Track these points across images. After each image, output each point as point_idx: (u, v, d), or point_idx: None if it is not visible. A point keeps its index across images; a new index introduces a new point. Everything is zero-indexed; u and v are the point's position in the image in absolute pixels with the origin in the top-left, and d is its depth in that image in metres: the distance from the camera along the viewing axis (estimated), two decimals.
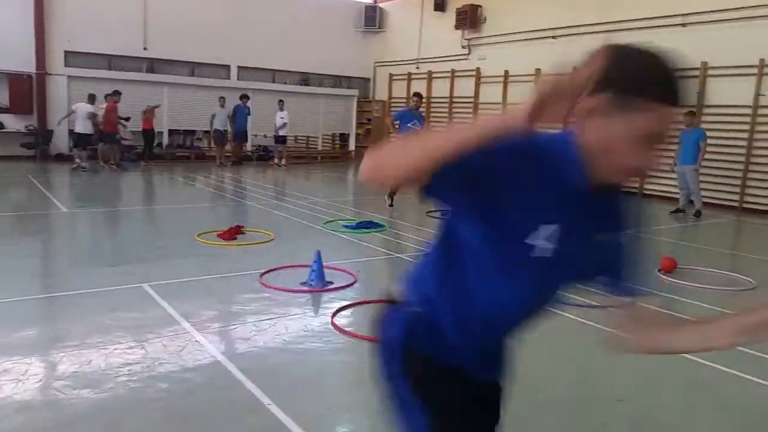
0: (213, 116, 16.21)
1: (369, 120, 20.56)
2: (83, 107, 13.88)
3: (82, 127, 13.86)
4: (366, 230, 7.75)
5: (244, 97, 16.82)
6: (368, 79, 21.22)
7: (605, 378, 3.63)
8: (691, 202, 10.50)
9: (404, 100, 19.48)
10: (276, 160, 17.00)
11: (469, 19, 16.56)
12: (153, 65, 17.33)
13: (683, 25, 12.13)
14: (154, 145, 16.11)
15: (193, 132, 18.35)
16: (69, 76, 15.57)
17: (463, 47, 17.28)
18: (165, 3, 16.94)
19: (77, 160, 13.78)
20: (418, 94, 10.79)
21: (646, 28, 12.71)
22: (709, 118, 11.87)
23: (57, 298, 4.75)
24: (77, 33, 15.87)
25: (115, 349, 3.72)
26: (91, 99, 14.04)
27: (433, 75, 18.37)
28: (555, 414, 3.15)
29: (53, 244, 7.00)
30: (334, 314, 4.48)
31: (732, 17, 11.35)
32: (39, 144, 15.29)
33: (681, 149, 10.36)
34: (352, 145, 20.57)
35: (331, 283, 5.27)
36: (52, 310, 4.52)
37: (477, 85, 16.89)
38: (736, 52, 11.29)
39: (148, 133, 15.37)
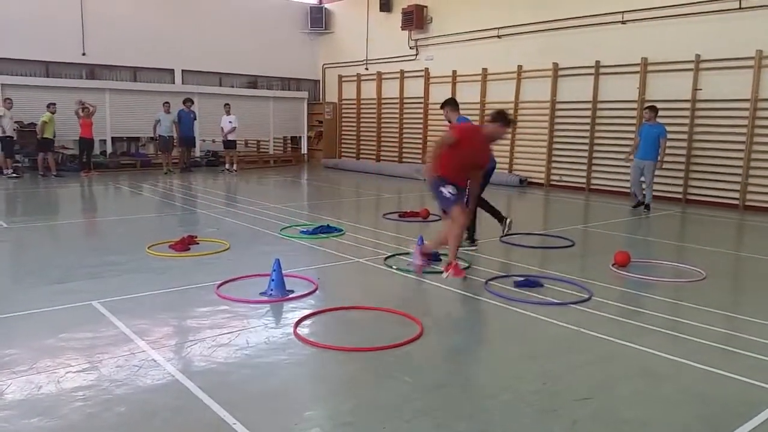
0: (157, 122, 15.82)
1: (320, 122, 20.43)
2: None
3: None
4: (324, 235, 7.66)
5: (188, 101, 16.44)
6: (317, 81, 21.09)
7: (569, 376, 3.67)
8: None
9: (354, 102, 19.48)
10: (227, 166, 16.67)
11: (416, 20, 16.65)
12: (93, 71, 16.75)
13: (623, 22, 12.50)
14: (95, 153, 15.60)
15: (137, 139, 17.81)
16: (3, 84, 14.86)
17: (410, 48, 17.36)
18: (103, 6, 16.42)
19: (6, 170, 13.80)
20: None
21: (587, 26, 13.09)
22: None
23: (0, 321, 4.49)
24: (10, 39, 15.21)
25: (67, 373, 3.53)
26: (6, 104, 13.90)
27: (383, 76, 18.38)
28: (524, 413, 3.16)
29: None
30: (297, 324, 4.38)
31: (670, 14, 11.77)
32: None
33: (641, 144, 10.44)
34: (304, 148, 20.40)
35: (292, 291, 5.17)
36: None
37: (426, 85, 16.99)
38: (674, 49, 11.71)
39: (86, 142, 14.84)
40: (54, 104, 14.18)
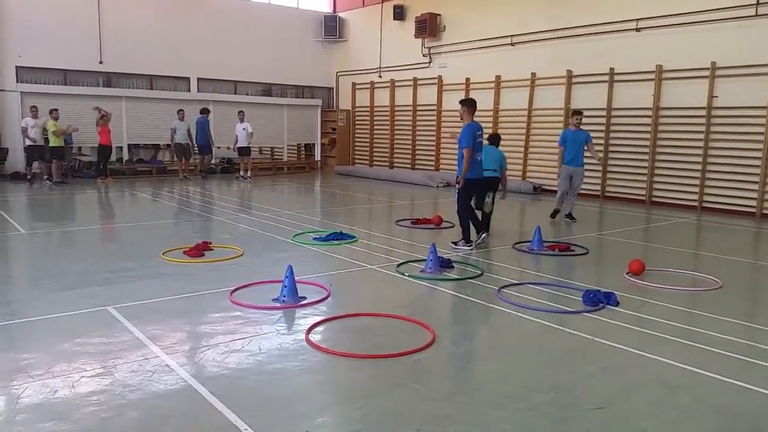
0: (173, 130, 15.96)
1: (333, 129, 20.52)
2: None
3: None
4: (336, 242, 7.68)
5: (206, 111, 16.58)
6: (331, 89, 21.19)
7: (582, 385, 3.64)
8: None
9: (367, 109, 19.55)
10: (241, 173, 16.77)
11: (429, 28, 16.70)
12: (110, 79, 16.97)
13: (637, 29, 12.44)
14: (111, 160, 15.78)
15: (154, 146, 18.02)
16: (22, 92, 15.12)
17: (424, 55, 17.40)
18: (120, 16, 16.65)
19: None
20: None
21: (601, 33, 13.05)
22: (666, 120, 12.21)
23: (17, 326, 4.55)
24: (29, 48, 15.48)
25: (82, 377, 3.57)
26: (32, 112, 14.16)
27: (396, 83, 18.43)
28: (537, 423, 3.13)
29: (11, 267, 6.73)
30: (309, 331, 4.39)
31: (684, 21, 11.69)
32: None
33: (569, 150, 9.74)
34: (317, 155, 20.50)
35: (304, 298, 5.18)
36: (11, 339, 4.31)
37: (439, 92, 17.02)
38: (689, 56, 11.63)
39: (105, 149, 15.01)
40: (56, 110, 14.22)
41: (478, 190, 7.69)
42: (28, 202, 11.81)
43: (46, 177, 14.35)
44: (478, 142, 7.42)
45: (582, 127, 9.96)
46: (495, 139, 8.80)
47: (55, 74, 16.17)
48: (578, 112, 9.98)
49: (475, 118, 7.56)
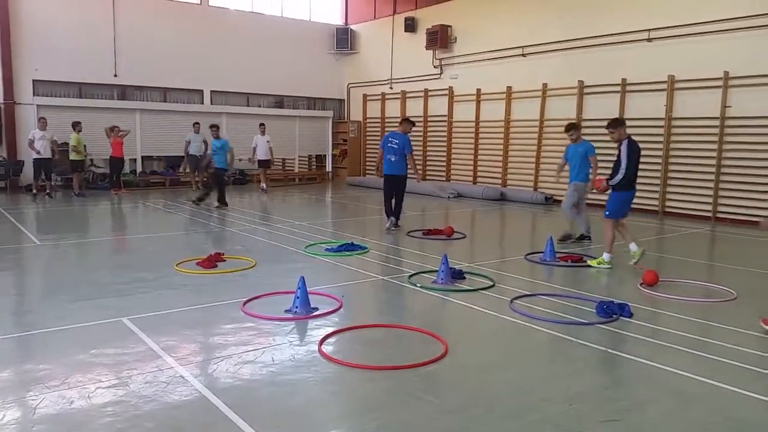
0: (188, 142, 16.07)
1: (345, 141, 20.61)
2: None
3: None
4: (348, 253, 7.70)
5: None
6: (342, 101, 21.32)
7: (596, 397, 3.62)
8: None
9: (378, 121, 19.63)
10: (262, 185, 16.73)
11: (440, 40, 16.78)
12: (124, 92, 17.19)
13: (649, 40, 12.43)
14: (125, 172, 15.91)
15: (166, 158, 18.15)
16: (38, 105, 15.34)
17: (435, 67, 17.48)
18: (135, 29, 16.88)
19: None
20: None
21: (612, 44, 13.04)
22: (678, 130, 12.16)
23: (32, 336, 4.60)
24: (45, 62, 15.75)
25: (97, 388, 3.60)
26: (40, 123, 14.13)
27: (407, 95, 18.51)
28: None
29: (26, 279, 6.81)
30: (321, 342, 4.41)
31: (696, 32, 11.67)
32: (9, 175, 15.06)
33: (569, 166, 8.87)
34: (329, 166, 20.58)
35: (316, 309, 5.20)
36: (27, 349, 4.36)
37: (450, 103, 17.06)
38: (701, 66, 11.59)
39: (117, 161, 15.15)
40: (79, 123, 14.36)
41: (389, 182, 9.91)
42: (42, 213, 11.94)
43: (47, 192, 14.25)
44: (388, 146, 9.86)
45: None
46: (216, 130, 12.87)
47: (70, 87, 16.41)
48: (572, 126, 8.99)
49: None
